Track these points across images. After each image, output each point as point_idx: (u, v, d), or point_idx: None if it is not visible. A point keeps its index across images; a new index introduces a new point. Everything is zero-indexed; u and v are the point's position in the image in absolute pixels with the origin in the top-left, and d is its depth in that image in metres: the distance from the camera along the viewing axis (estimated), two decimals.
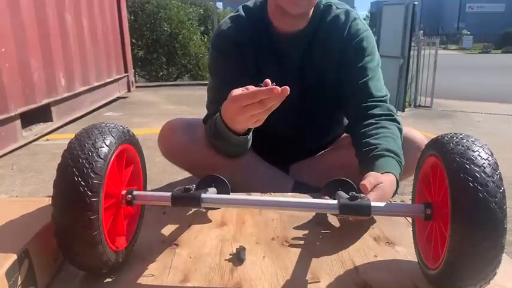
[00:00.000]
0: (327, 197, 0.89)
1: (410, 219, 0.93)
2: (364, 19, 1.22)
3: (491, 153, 0.63)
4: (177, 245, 0.86)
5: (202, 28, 8.35)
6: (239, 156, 1.21)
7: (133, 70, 5.23)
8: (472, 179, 0.59)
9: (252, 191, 1.14)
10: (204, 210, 1.02)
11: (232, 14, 1.24)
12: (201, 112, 1.27)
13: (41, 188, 1.78)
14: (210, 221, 0.99)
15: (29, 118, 2.61)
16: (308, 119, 1.27)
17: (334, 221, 0.98)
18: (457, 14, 51.52)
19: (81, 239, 0.65)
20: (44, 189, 1.76)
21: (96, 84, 3.67)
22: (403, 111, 4.45)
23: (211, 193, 0.84)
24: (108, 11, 4.14)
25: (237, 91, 0.87)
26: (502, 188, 0.59)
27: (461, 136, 0.67)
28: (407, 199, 1.05)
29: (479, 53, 27.88)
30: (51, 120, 2.85)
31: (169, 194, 0.75)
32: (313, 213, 1.01)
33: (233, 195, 0.95)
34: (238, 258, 0.80)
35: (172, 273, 0.76)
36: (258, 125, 0.92)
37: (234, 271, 0.77)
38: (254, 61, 1.19)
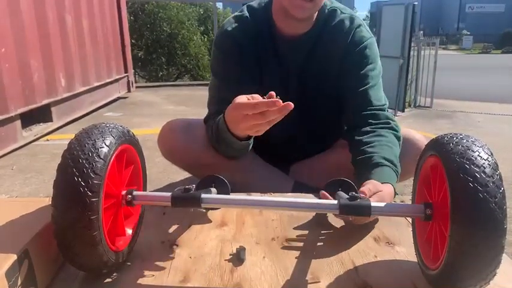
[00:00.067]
0: (327, 195, 0.88)
1: (410, 220, 0.93)
2: (364, 19, 1.22)
3: (491, 154, 0.63)
4: (177, 245, 0.86)
5: (202, 28, 8.35)
6: (239, 157, 1.21)
7: (133, 70, 5.23)
8: (472, 179, 0.59)
9: (252, 191, 1.14)
10: (204, 210, 1.02)
11: (237, 13, 1.24)
12: (201, 112, 1.27)
13: (41, 189, 1.78)
14: (210, 221, 0.99)
15: (29, 118, 2.60)
16: (308, 120, 1.27)
17: (334, 221, 0.98)
18: (457, 14, 51.57)
19: (81, 239, 0.65)
20: (44, 189, 1.76)
21: (96, 84, 3.66)
22: (403, 111, 4.45)
23: (211, 193, 0.84)
24: (108, 11, 4.13)
25: (241, 98, 0.87)
26: (502, 188, 0.59)
27: (461, 136, 0.67)
28: (407, 199, 1.05)
29: (479, 53, 27.92)
30: (51, 121, 2.84)
31: (169, 194, 0.75)
32: (313, 214, 1.01)
33: (233, 196, 0.95)
34: (238, 258, 0.80)
35: (172, 273, 0.76)
36: (258, 134, 0.91)
37: (234, 271, 0.77)
38: (256, 62, 1.19)
